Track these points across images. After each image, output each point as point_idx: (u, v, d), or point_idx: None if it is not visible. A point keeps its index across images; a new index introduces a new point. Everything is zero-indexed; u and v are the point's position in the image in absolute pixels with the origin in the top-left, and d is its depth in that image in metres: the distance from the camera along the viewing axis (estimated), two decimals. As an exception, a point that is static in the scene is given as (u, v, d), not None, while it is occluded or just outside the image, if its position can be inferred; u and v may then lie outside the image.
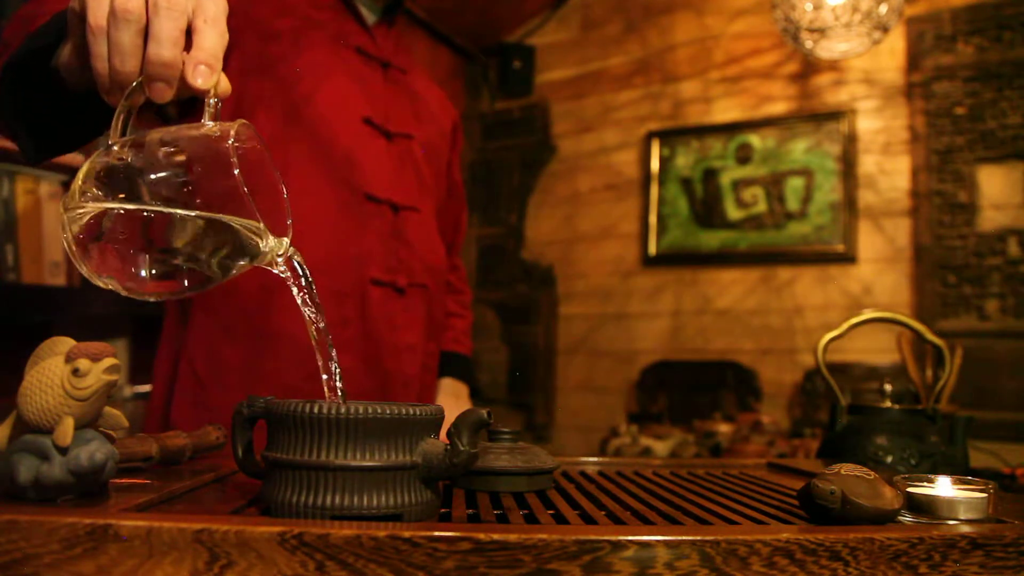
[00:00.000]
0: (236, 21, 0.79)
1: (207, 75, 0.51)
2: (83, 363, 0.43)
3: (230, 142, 0.48)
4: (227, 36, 0.54)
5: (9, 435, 0.46)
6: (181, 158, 0.49)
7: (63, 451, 0.42)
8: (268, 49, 0.92)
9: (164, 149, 0.49)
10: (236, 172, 0.47)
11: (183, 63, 0.51)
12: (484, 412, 0.47)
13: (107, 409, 0.47)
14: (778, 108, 2.76)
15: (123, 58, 0.50)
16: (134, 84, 0.51)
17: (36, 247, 1.49)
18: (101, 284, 0.50)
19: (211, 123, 0.51)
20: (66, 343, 0.45)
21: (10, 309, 1.38)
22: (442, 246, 1.10)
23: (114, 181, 0.48)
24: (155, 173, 0.48)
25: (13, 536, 0.37)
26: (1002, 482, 1.25)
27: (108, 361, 0.44)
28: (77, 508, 0.41)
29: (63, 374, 0.43)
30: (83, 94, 0.61)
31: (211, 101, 0.52)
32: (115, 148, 0.49)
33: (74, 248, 0.49)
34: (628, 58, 3.09)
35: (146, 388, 1.67)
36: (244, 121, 0.51)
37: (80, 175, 0.49)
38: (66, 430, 0.42)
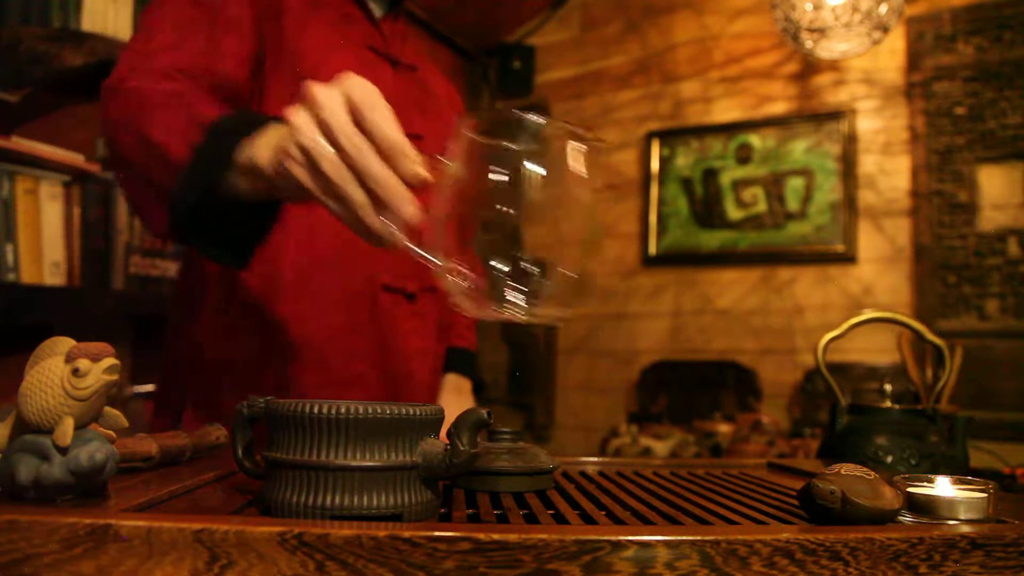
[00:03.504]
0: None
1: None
2: (83, 363, 0.43)
3: None
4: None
5: (9, 435, 0.46)
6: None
7: (63, 451, 0.42)
8: (278, 26, 0.89)
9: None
10: None
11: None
12: (484, 412, 0.47)
13: (107, 409, 0.47)
14: (778, 108, 2.76)
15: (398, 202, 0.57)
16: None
17: (36, 247, 1.49)
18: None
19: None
20: (66, 343, 0.45)
21: (10, 309, 1.38)
22: None
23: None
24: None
25: (13, 536, 0.37)
26: (1002, 482, 1.25)
27: (108, 361, 0.44)
28: (77, 508, 0.41)
29: (63, 374, 0.43)
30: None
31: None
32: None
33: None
34: (628, 58, 3.09)
35: (146, 388, 1.67)
36: None
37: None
38: (66, 430, 0.42)
